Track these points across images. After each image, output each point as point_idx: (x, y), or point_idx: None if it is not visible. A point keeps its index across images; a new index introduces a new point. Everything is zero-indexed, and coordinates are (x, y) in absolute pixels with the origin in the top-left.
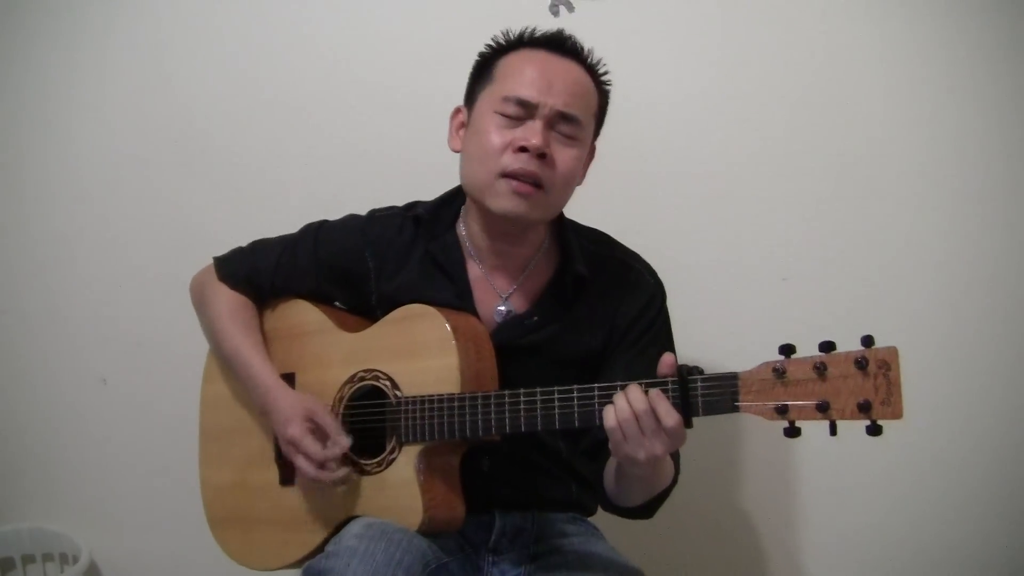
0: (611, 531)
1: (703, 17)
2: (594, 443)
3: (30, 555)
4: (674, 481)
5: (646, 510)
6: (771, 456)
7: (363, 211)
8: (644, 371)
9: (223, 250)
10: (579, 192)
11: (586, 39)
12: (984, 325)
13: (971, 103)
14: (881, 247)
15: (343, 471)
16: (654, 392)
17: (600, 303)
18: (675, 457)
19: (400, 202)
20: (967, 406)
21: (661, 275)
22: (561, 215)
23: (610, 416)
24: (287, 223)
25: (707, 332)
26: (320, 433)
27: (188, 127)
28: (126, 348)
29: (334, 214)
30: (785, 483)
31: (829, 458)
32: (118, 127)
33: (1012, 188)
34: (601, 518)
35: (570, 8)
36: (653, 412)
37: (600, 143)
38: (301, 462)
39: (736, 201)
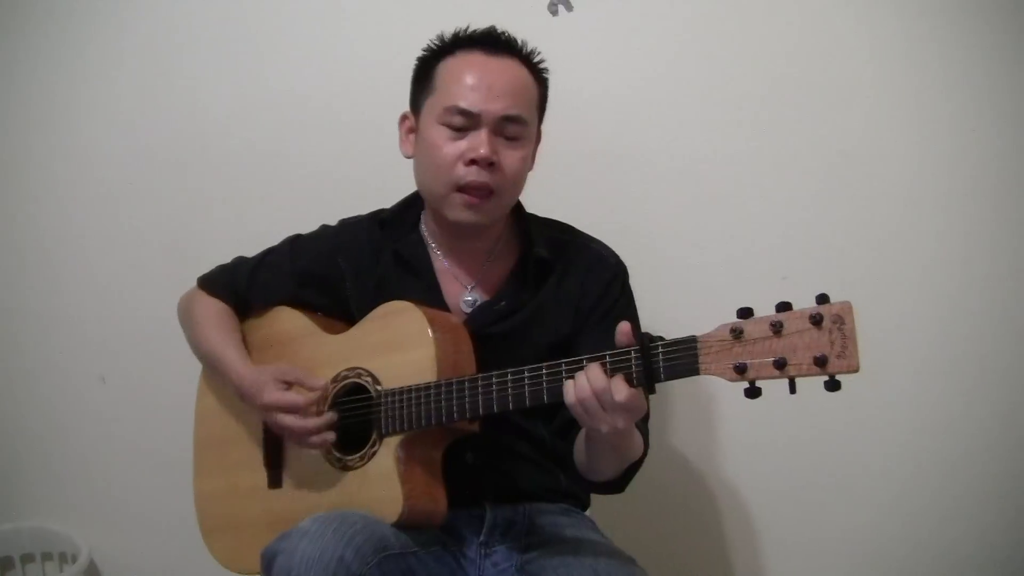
0: (606, 524)
1: (702, 16)
2: (563, 422)
3: (29, 554)
4: (644, 454)
5: (617, 484)
6: (767, 453)
7: (363, 211)
8: (609, 349)
9: (222, 249)
10: (578, 191)
11: (585, 38)
12: (982, 323)
13: (969, 101)
14: (881, 246)
15: (328, 415)
16: (616, 376)
17: (564, 286)
18: (644, 432)
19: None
20: (965, 403)
21: (660, 275)
22: (519, 205)
23: (569, 393)
24: (287, 223)
25: (706, 332)
26: (296, 389)
27: (188, 127)
28: (125, 347)
29: (334, 213)
30: (782, 480)
31: (825, 455)
32: (118, 127)
33: (1010, 186)
34: (595, 511)
35: (568, 7)
36: (611, 390)
37: (599, 142)
38: (287, 420)
39: (736, 200)
